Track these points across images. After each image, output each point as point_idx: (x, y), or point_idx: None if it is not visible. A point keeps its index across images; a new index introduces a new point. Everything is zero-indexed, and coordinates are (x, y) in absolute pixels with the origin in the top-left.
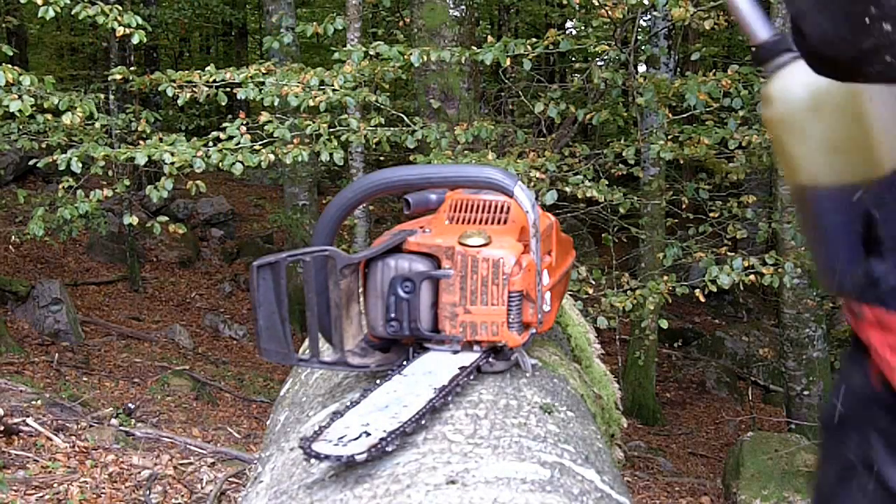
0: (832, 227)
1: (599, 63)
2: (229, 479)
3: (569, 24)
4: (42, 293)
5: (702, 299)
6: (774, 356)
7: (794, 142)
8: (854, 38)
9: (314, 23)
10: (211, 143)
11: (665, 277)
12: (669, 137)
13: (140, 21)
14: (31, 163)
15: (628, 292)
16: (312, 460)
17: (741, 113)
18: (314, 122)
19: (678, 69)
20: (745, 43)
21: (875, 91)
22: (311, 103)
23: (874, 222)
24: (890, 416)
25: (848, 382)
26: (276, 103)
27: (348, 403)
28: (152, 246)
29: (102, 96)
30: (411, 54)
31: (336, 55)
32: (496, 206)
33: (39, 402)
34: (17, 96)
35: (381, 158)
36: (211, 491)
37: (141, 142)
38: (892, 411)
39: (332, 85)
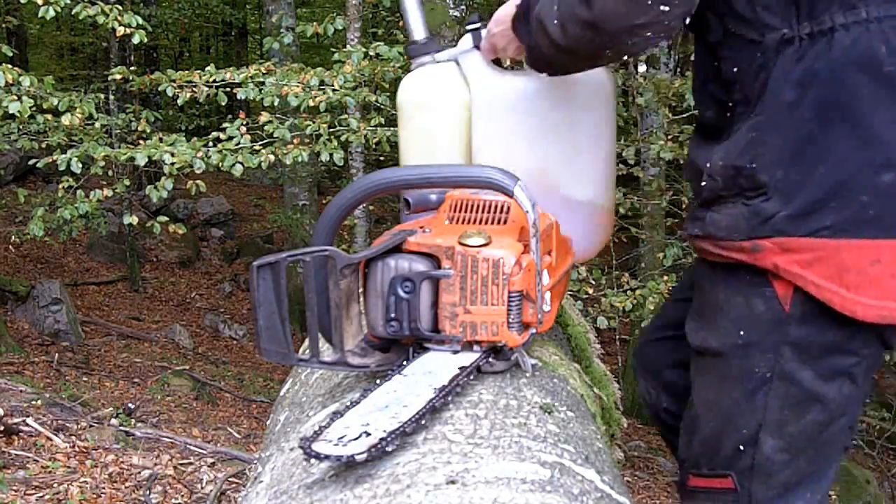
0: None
1: None
2: (229, 479)
3: None
4: (42, 293)
5: None
6: None
7: (401, 126)
8: (631, 14)
9: (314, 23)
10: (211, 144)
11: (665, 277)
12: (669, 137)
13: (140, 21)
14: (31, 163)
15: (628, 292)
16: (312, 460)
17: None
18: (314, 123)
19: (678, 69)
20: None
21: (481, 97)
22: (311, 103)
23: (749, 172)
24: (800, 329)
25: (745, 313)
26: (276, 103)
27: (348, 403)
28: (152, 246)
29: (102, 96)
30: None
31: (336, 55)
32: (496, 207)
33: (39, 402)
34: (16, 97)
35: (381, 158)
36: (211, 491)
37: (141, 142)
38: (802, 323)
39: (332, 85)
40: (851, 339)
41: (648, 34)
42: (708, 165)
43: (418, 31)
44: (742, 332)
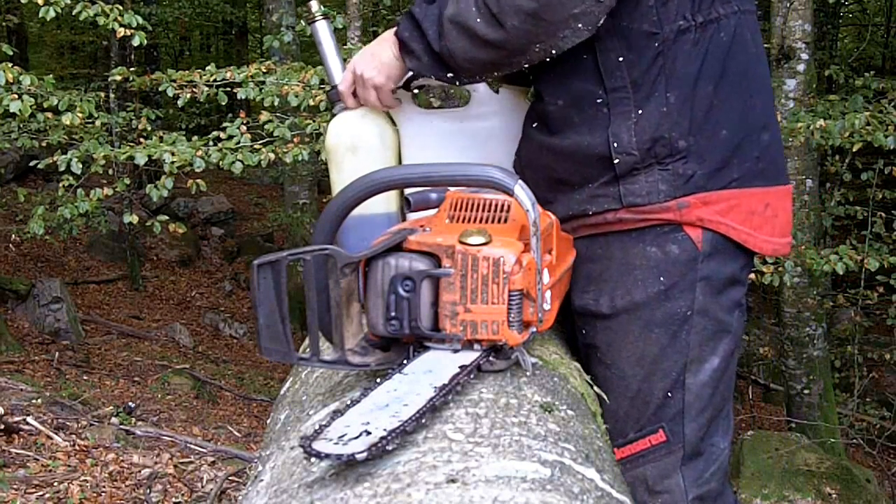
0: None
1: None
2: (230, 478)
3: None
4: (42, 292)
5: None
6: (774, 355)
7: (335, 170)
8: (570, 3)
9: None
10: (211, 143)
11: None
12: None
13: (140, 21)
14: (31, 163)
15: None
16: (313, 459)
17: None
18: (314, 121)
19: None
20: None
21: (409, 137)
22: (312, 102)
23: (666, 140)
24: (709, 264)
25: (662, 259)
26: (276, 102)
27: (349, 402)
28: (152, 244)
29: (103, 95)
30: None
31: None
32: (497, 205)
33: (40, 400)
34: (17, 96)
35: None
36: (211, 490)
37: (141, 140)
38: (710, 259)
39: None
40: (742, 270)
41: (580, 25)
42: (616, 145)
43: (338, 74)
44: (662, 279)
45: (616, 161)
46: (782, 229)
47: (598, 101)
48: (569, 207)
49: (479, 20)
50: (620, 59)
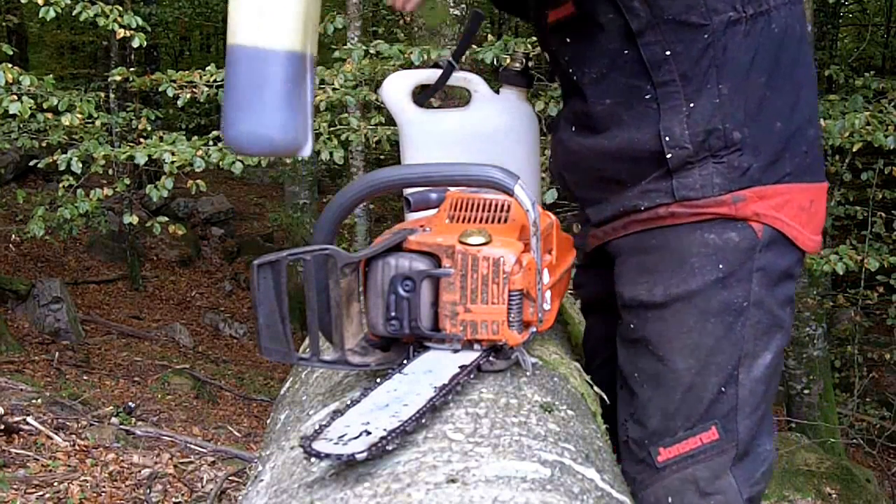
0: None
1: None
2: (230, 478)
3: None
4: (42, 292)
5: None
6: None
7: (233, 4)
8: None
9: None
10: (211, 142)
11: None
12: None
13: (140, 22)
14: (31, 163)
15: None
16: (313, 459)
17: None
18: (314, 121)
19: None
20: None
21: (409, 136)
22: None
23: (721, 133)
24: (766, 254)
25: (721, 246)
26: None
27: (349, 402)
28: (152, 244)
29: (102, 95)
30: (412, 53)
31: (336, 54)
32: (497, 205)
33: (40, 400)
34: (16, 96)
35: (382, 157)
36: (211, 490)
37: (141, 140)
38: (768, 250)
39: (333, 84)
40: (796, 265)
41: None
42: (668, 139)
43: None
44: (721, 266)
45: (669, 156)
46: (819, 227)
47: (647, 96)
48: (620, 204)
49: None
50: (667, 52)
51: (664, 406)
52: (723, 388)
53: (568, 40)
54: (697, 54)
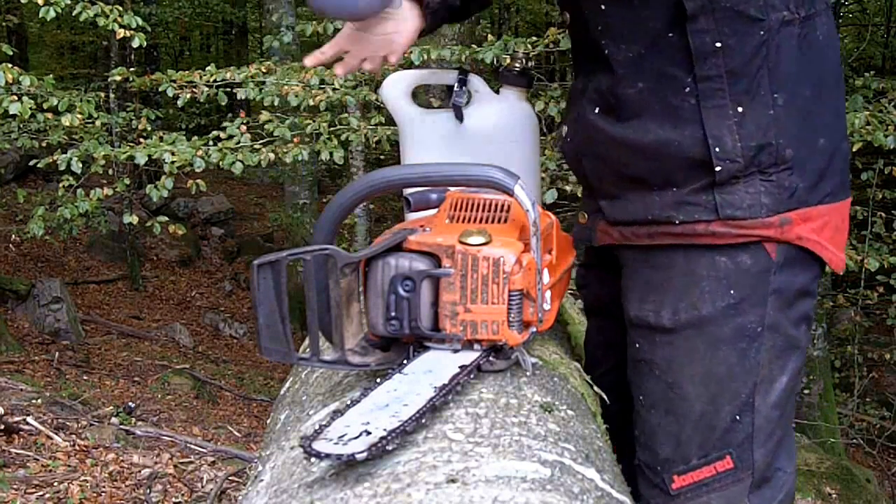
0: None
1: None
2: (230, 478)
3: None
4: (42, 292)
5: None
6: None
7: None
8: None
9: (314, 21)
10: (211, 142)
11: None
12: None
13: (140, 22)
14: (31, 163)
15: None
16: (313, 459)
17: None
18: (314, 121)
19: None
20: None
21: (409, 136)
22: (312, 102)
23: (773, 148)
24: (781, 275)
25: (732, 270)
26: (276, 102)
27: (349, 402)
28: (152, 244)
29: (102, 94)
30: (411, 53)
31: None
32: (497, 205)
33: (40, 400)
34: (16, 97)
35: (382, 157)
36: (211, 490)
37: (141, 140)
38: (782, 270)
39: (333, 84)
40: (813, 281)
41: None
42: (717, 150)
43: None
44: (732, 291)
45: (717, 168)
46: (844, 243)
47: (686, 89)
48: (648, 211)
49: None
50: (718, 43)
51: (676, 434)
52: (737, 417)
53: (603, 7)
54: (750, 52)
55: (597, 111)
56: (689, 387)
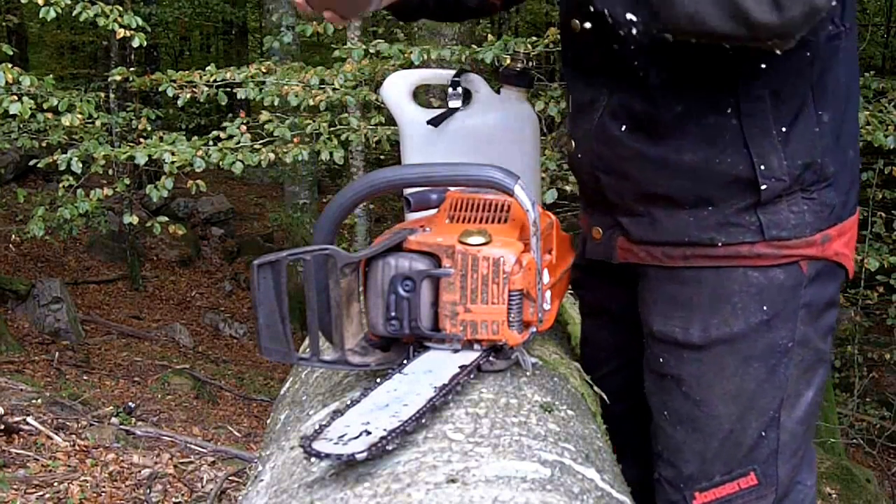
0: None
1: None
2: (230, 478)
3: None
4: (42, 292)
5: None
6: None
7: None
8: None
9: (314, 21)
10: (211, 142)
11: None
12: None
13: (140, 22)
14: (31, 163)
15: None
16: (313, 459)
17: None
18: (314, 121)
19: None
20: None
21: (409, 137)
22: (312, 102)
23: (818, 166)
24: (811, 288)
25: (765, 286)
26: (276, 102)
27: (349, 402)
28: (152, 245)
29: (103, 95)
30: (411, 53)
31: (336, 53)
32: (497, 205)
33: (40, 400)
34: (16, 97)
35: (382, 157)
36: (211, 490)
37: (141, 140)
38: (812, 284)
39: (333, 84)
40: (838, 291)
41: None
42: (763, 168)
43: None
44: (765, 307)
45: (763, 187)
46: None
47: (728, 109)
48: (684, 232)
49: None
50: (763, 64)
51: (701, 451)
52: (763, 433)
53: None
54: (795, 73)
55: (623, 129)
56: (718, 404)
